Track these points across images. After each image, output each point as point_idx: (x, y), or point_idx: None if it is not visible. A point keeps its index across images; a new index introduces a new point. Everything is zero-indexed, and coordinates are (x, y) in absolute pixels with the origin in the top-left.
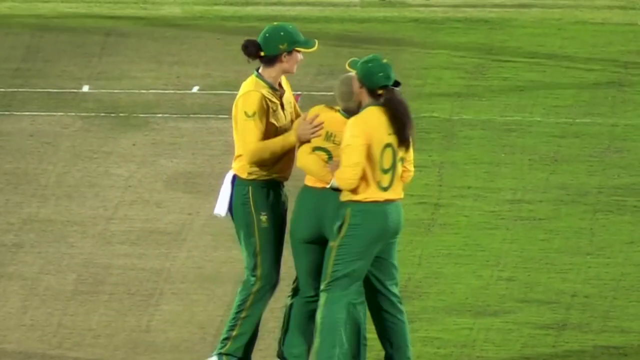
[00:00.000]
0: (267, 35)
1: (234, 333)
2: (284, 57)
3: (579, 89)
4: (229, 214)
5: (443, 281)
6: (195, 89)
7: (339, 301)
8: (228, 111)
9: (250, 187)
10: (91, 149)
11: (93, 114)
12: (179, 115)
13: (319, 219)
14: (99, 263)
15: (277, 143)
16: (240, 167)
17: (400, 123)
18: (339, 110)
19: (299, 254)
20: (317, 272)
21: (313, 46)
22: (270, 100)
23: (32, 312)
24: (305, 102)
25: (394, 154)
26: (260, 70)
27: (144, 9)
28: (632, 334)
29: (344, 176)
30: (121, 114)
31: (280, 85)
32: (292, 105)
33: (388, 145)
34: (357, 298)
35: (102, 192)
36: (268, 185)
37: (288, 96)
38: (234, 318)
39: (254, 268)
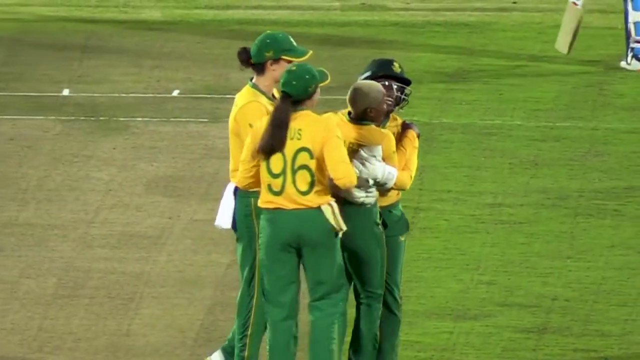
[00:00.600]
0: (256, 42)
1: (246, 354)
2: (271, 64)
3: (560, 93)
4: (229, 226)
5: (423, 285)
6: (175, 93)
7: (272, 322)
8: (208, 115)
9: (252, 199)
10: (71, 152)
11: (73, 118)
12: (159, 119)
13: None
14: (79, 267)
15: None
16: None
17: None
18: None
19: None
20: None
21: (302, 55)
22: (269, 110)
23: (13, 316)
24: None
25: (285, 160)
26: (254, 80)
27: (124, 12)
28: (612, 337)
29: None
30: (101, 118)
31: (273, 95)
32: None
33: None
34: (286, 315)
35: (82, 196)
36: None
37: None
38: (241, 339)
39: (252, 280)
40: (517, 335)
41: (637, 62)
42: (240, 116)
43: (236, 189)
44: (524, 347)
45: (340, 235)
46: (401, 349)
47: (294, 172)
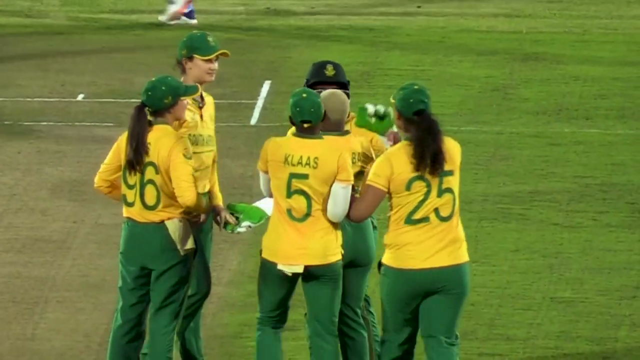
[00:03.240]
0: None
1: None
2: (186, 63)
3: (464, 97)
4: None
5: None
6: (80, 97)
7: (112, 339)
8: (113, 119)
9: None
10: None
11: None
12: (64, 123)
13: None
14: None
15: None
16: None
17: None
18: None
19: None
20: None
21: (211, 53)
22: (190, 110)
23: None
24: None
25: (142, 175)
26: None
27: (29, 16)
28: (517, 341)
29: None
30: (6, 122)
31: (201, 96)
32: (213, 120)
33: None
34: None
35: None
36: None
37: (210, 109)
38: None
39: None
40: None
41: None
42: None
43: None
44: None
45: (182, 254)
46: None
47: (142, 185)
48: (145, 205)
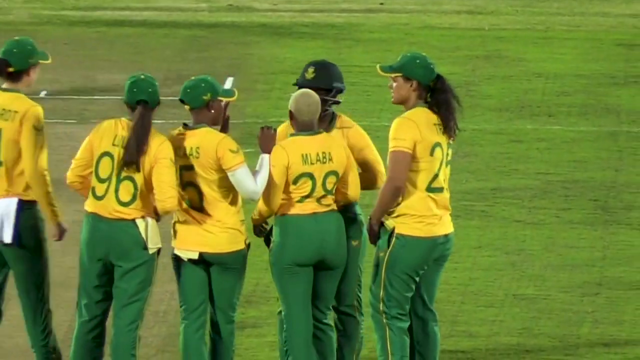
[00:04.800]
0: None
1: None
2: (33, 70)
3: None
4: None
5: None
6: (43, 94)
7: (76, 336)
8: (76, 116)
9: (37, 209)
10: None
11: None
12: None
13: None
14: None
15: None
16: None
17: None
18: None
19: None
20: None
21: (43, 59)
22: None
23: None
24: None
25: (113, 166)
26: (5, 85)
27: None
28: (479, 338)
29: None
30: None
31: None
32: None
33: (108, 154)
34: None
35: None
36: None
37: None
38: (44, 345)
39: (42, 285)
40: None
41: None
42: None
43: (19, 203)
44: None
45: (150, 252)
46: (269, 350)
47: (119, 180)
48: (118, 201)
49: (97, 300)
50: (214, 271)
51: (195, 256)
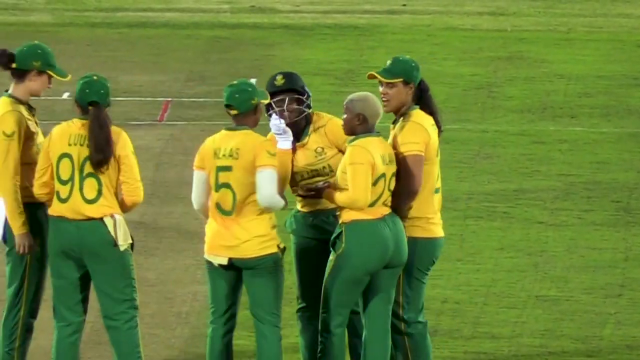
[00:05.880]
0: (25, 48)
1: None
2: (34, 75)
3: (449, 95)
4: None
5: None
6: (65, 95)
7: (57, 339)
8: None
9: (25, 212)
10: None
11: None
12: (48, 122)
13: None
14: None
15: None
16: None
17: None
18: None
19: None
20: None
21: (63, 76)
22: (29, 120)
23: None
24: (175, 108)
25: (73, 166)
26: (10, 90)
27: (14, 14)
28: (502, 339)
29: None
30: None
31: (29, 105)
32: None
33: (65, 155)
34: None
35: None
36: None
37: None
38: (8, 352)
39: (20, 292)
40: None
41: None
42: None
43: None
44: None
45: (122, 249)
46: (292, 352)
47: (82, 179)
48: (84, 199)
49: (76, 302)
50: (246, 276)
51: (225, 262)
